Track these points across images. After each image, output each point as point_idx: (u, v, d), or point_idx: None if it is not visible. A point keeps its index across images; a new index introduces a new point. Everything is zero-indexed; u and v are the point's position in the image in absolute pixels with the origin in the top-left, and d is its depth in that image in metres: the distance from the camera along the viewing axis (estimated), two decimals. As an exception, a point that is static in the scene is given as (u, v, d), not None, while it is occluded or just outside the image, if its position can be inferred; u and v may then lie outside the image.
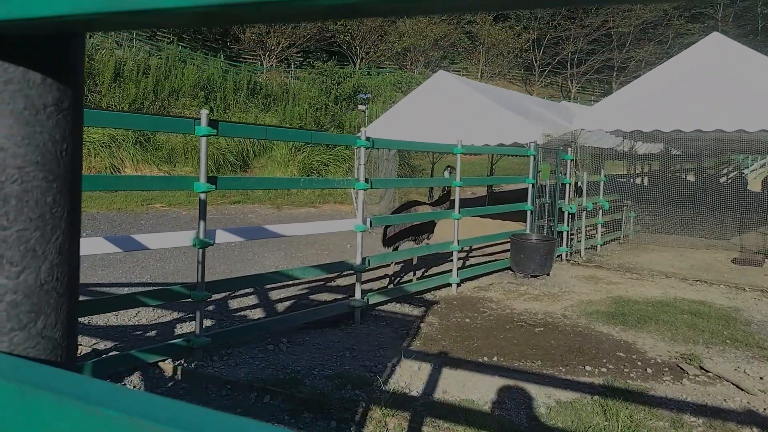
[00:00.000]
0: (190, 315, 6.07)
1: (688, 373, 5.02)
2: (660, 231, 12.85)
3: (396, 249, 7.79)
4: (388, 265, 8.47)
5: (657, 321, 6.56)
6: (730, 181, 19.22)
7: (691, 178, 16.49)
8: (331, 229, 5.97)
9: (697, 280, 8.95)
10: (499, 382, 4.61)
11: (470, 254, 10.81)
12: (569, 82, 48.81)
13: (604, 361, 5.24)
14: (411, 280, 7.93)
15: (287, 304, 6.73)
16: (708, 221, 12.67)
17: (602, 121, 9.89)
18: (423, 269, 9.04)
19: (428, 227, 7.94)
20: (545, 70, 49.08)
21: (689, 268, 9.91)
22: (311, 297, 7.09)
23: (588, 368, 5.02)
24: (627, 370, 5.04)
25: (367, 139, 5.99)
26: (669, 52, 43.89)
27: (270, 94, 27.33)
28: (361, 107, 12.67)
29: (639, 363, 5.23)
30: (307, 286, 7.64)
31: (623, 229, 12.86)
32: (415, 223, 7.69)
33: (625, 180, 13.80)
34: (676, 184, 13.56)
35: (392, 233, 7.82)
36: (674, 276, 9.23)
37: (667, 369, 5.12)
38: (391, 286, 7.69)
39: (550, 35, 46.83)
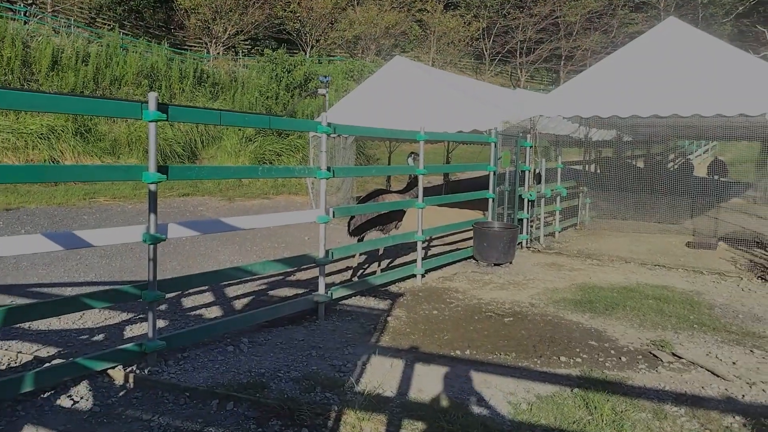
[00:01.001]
0: (141, 316, 5.66)
1: (662, 360, 4.95)
2: (615, 217, 13.01)
3: (362, 239, 7.68)
4: (352, 257, 8.21)
5: (624, 307, 6.52)
6: (677, 166, 19.75)
7: (640, 164, 16.82)
8: (293, 221, 5.66)
9: (655, 265, 9.03)
10: (475, 377, 4.42)
11: (431, 244, 10.65)
12: (519, 71, 49.35)
13: (578, 350, 5.12)
14: (375, 272, 7.70)
15: (245, 301, 6.39)
16: (660, 206, 12.90)
17: (561, 107, 9.84)
18: (388, 260, 8.82)
19: (396, 216, 7.78)
20: (495, 59, 49.46)
21: (646, 252, 10.01)
22: (271, 293, 6.76)
23: (563, 359, 4.89)
24: (602, 360, 4.93)
25: (329, 124, 5.69)
26: (614, 41, 44.86)
27: (218, 83, 26.51)
28: (321, 91, 12.31)
29: (612, 351, 5.14)
30: (265, 281, 7.31)
31: (579, 216, 12.95)
32: (382, 213, 7.54)
33: (580, 167, 13.89)
34: (628, 171, 13.76)
35: (359, 223, 7.64)
36: (633, 261, 9.28)
37: (640, 357, 5.04)
38: (356, 278, 7.46)
39: (500, 24, 47.16)
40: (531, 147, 10.26)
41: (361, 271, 8.12)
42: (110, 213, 12.17)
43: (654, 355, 5.07)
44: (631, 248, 10.33)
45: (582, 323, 5.93)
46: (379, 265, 7.93)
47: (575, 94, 9.88)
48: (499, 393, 4.14)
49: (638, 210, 12.84)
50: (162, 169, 4.18)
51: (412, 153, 7.71)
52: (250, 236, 10.42)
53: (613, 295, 7.01)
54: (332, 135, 5.89)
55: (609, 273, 8.39)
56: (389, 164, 17.33)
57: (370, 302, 6.48)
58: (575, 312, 6.32)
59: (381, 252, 7.94)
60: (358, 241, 7.76)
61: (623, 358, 4.97)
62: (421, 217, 7.55)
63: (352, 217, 7.68)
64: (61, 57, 21.36)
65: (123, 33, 32.48)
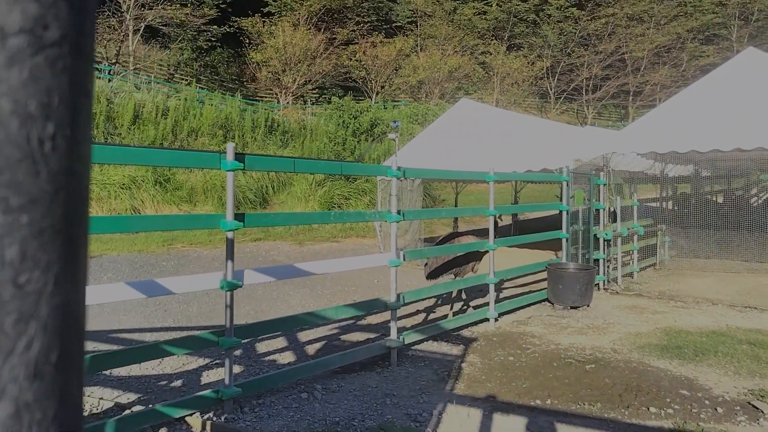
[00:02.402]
0: (217, 361, 5.72)
1: (763, 412, 4.54)
2: (697, 255, 12.34)
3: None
4: (425, 300, 8.13)
5: (716, 353, 6.08)
6: (761, 201, 18.67)
7: (720, 199, 15.99)
8: (365, 265, 5.64)
9: (746, 306, 8.43)
10: (559, 428, 4.17)
11: (503, 287, 10.39)
12: (585, 108, 48.56)
13: (668, 400, 4.78)
14: (447, 316, 7.55)
15: (318, 346, 6.37)
16: (747, 243, 12.16)
17: (635, 143, 9.54)
18: (462, 303, 8.65)
19: (474, 257, 7.70)
20: (560, 97, 48.94)
21: (735, 293, 9.39)
22: (342, 338, 6.72)
23: (653, 410, 4.57)
24: (695, 411, 4.57)
25: (399, 168, 5.69)
26: (684, 74, 43.60)
27: (287, 131, 27.37)
28: (392, 135, 12.44)
29: (707, 402, 4.76)
30: (337, 326, 7.28)
31: (659, 255, 12.36)
32: (459, 255, 7.51)
33: (656, 204, 13.35)
34: (707, 206, 13.08)
35: (435, 266, 7.63)
36: (720, 303, 8.71)
37: (738, 408, 4.64)
38: (450, 315, 7.52)
39: (564, 62, 46.80)
40: (604, 184, 9.96)
41: (433, 314, 7.99)
42: (187, 259, 12.57)
43: (754, 406, 4.66)
44: (717, 289, 9.72)
45: (670, 370, 5.56)
46: (451, 308, 7.79)
47: (650, 129, 9.57)
48: (586, 447, 3.89)
49: (722, 248, 12.14)
50: (239, 216, 4.26)
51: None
52: (320, 280, 10.48)
53: (702, 340, 6.56)
54: (401, 178, 5.89)
55: (695, 316, 7.90)
56: (456, 205, 17.22)
57: (443, 347, 6.32)
58: (662, 358, 5.94)
59: (454, 295, 7.83)
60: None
61: (719, 410, 4.59)
62: (493, 258, 7.38)
63: (429, 260, 7.68)
64: (142, 111, 22.67)
65: (199, 87, 34.29)
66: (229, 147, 4.16)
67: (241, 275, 4.36)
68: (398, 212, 5.76)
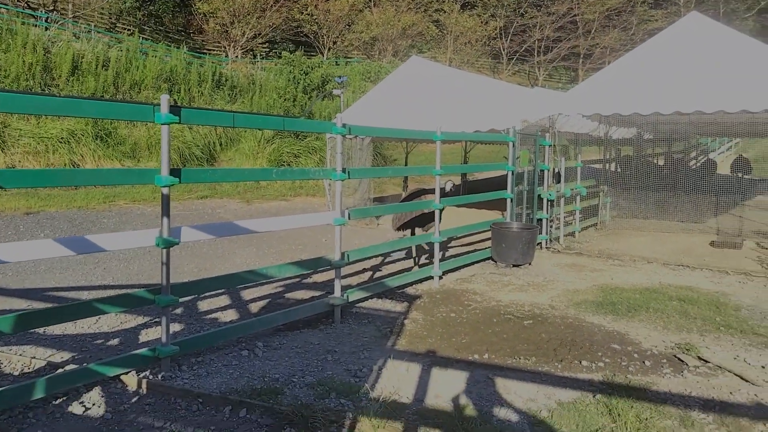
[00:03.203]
0: (157, 320, 5.63)
1: (687, 365, 4.78)
2: (636, 216, 12.75)
3: (413, 233, 8.46)
4: (374, 258, 8.20)
5: (647, 309, 6.34)
6: (699, 164, 19.37)
7: (661, 162, 16.51)
8: (308, 224, 5.59)
9: (679, 265, 8.80)
10: (494, 382, 4.29)
11: (449, 245, 10.52)
12: (537, 70, 48.93)
13: (600, 354, 4.97)
14: (393, 275, 7.61)
15: (261, 304, 6.34)
16: (682, 205, 12.63)
17: (580, 105, 9.66)
18: (425, 256, 8.94)
19: (432, 217, 8.17)
20: (513, 58, 49.11)
21: (669, 252, 9.78)
22: (287, 296, 6.71)
23: (584, 363, 4.75)
24: (625, 364, 4.78)
25: (344, 125, 5.60)
26: (633, 38, 44.26)
27: (236, 86, 26.62)
28: (337, 91, 12.24)
29: (636, 355, 4.98)
30: (281, 284, 7.25)
31: (600, 215, 12.71)
32: (425, 211, 8.10)
33: (600, 165, 13.66)
34: (649, 169, 13.49)
35: (405, 219, 8.25)
36: (656, 261, 9.06)
37: (665, 361, 4.88)
38: (416, 267, 8.06)
39: (517, 23, 46.81)
40: (550, 146, 10.09)
41: (379, 272, 8.04)
42: (130, 216, 12.23)
43: (679, 359, 4.90)
44: (653, 248, 10.10)
45: (604, 326, 5.78)
46: (416, 263, 8.21)
47: (595, 91, 9.70)
48: (519, 399, 4.02)
49: (660, 209, 12.58)
50: (175, 172, 4.13)
51: (449, 180, 8.57)
52: (267, 238, 10.39)
53: (636, 297, 6.83)
54: (348, 136, 5.81)
55: (631, 274, 8.20)
56: (406, 164, 17.22)
57: (387, 305, 6.39)
58: (597, 314, 6.16)
59: (414, 254, 8.39)
60: (409, 235, 8.49)
61: (647, 363, 4.81)
62: (438, 218, 7.44)
63: (396, 215, 8.28)
64: (81, 62, 21.58)
65: (143, 38, 32.80)
66: (163, 99, 3.99)
67: (177, 232, 4.24)
68: (343, 170, 5.70)
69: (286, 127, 5.29)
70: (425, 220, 8.43)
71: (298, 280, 7.49)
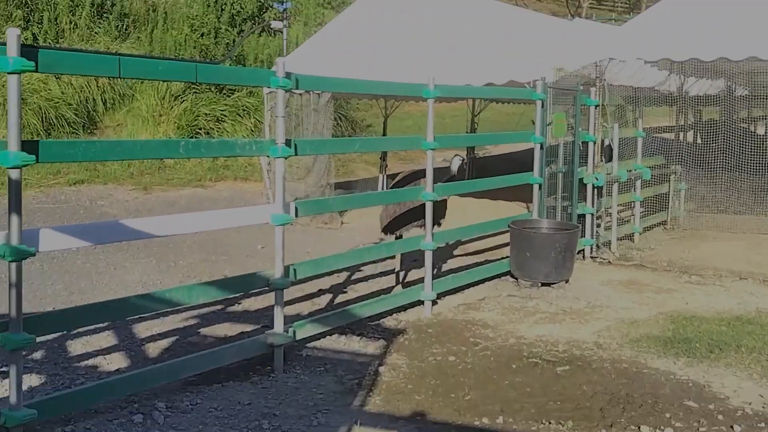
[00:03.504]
0: (3, 369, 5.56)
1: (795, 430, 4.88)
2: (723, 210, 12.87)
3: (401, 237, 8.24)
4: (330, 275, 8.21)
5: (738, 348, 6.46)
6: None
7: (761, 130, 16.68)
8: (235, 223, 5.65)
9: (786, 283, 8.98)
10: (512, 459, 4.34)
11: (449, 254, 10.57)
12: (579, -7, 49.30)
13: (668, 416, 5.07)
14: (378, 295, 7.65)
15: (164, 344, 6.34)
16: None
17: (642, 46, 9.78)
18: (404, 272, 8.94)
19: (438, 209, 8.05)
20: (544, -25, 49.41)
21: (772, 264, 9.94)
22: (202, 332, 6.73)
23: (645, 430, 4.83)
24: (704, 430, 4.86)
25: (287, 75, 5.60)
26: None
27: (128, 15, 26.35)
28: (277, 24, 12.17)
29: (720, 417, 5.08)
30: (194, 314, 7.25)
31: (671, 209, 12.87)
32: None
33: (671, 135, 13.83)
34: (743, 140, 13.58)
35: (396, 214, 8.10)
36: (752, 277, 9.23)
37: (763, 424, 4.97)
38: (398, 287, 8.07)
39: None
40: (597, 106, 10.20)
41: (342, 295, 8.07)
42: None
43: (784, 422, 5.00)
44: (748, 258, 10.27)
45: (674, 373, 5.87)
46: (401, 280, 8.32)
47: (663, 26, 9.83)
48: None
49: (760, 201, 12.73)
50: (30, 145, 4.08)
51: (456, 155, 8.52)
52: (175, 245, 10.34)
53: (721, 330, 6.95)
54: (295, 91, 5.85)
55: (715, 296, 8.34)
56: (384, 134, 17.25)
57: (354, 344, 6.43)
58: (664, 356, 6.26)
59: (398, 267, 8.39)
60: (396, 239, 8.25)
61: (737, 428, 4.90)
62: (430, 213, 7.47)
63: (386, 208, 8.21)
64: None
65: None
66: (11, 35, 3.94)
67: (34, 237, 4.21)
68: (288, 143, 5.70)
69: (200, 79, 5.28)
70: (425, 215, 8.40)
71: (220, 308, 7.48)
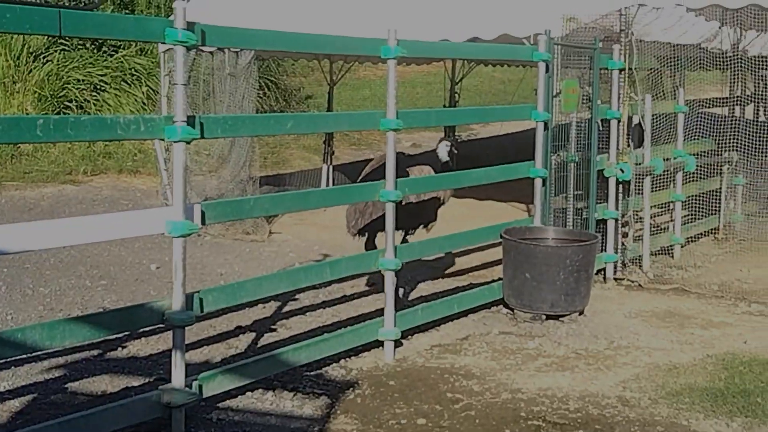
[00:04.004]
0: None
1: None
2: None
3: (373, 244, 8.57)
4: (253, 305, 8.17)
5: (814, 403, 6.51)
6: None
7: None
8: (114, 235, 5.55)
9: None
10: None
11: (418, 277, 10.57)
12: None
13: (719, 497, 5.10)
14: (338, 326, 7.62)
15: (16, 405, 6.25)
16: None
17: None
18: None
19: (431, 208, 8.53)
20: None
21: None
22: (71, 387, 6.64)
23: None
24: None
25: (190, 26, 5.56)
26: None
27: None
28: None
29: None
30: (61, 361, 7.18)
31: (723, 212, 12.95)
32: (410, 202, 8.28)
33: (723, 111, 13.94)
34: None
35: (371, 218, 8.40)
36: (835, 305, 9.33)
37: None
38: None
39: None
40: (623, 71, 10.24)
41: (270, 334, 8.03)
42: None
43: None
44: (830, 278, 10.40)
45: (728, 439, 5.92)
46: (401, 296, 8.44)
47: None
48: None
49: None
50: None
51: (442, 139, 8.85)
52: (34, 265, 10.24)
53: (793, 379, 7.00)
54: (202, 48, 5.81)
55: (785, 331, 8.42)
56: (330, 108, 17.22)
57: (286, 402, 6.40)
58: (713, 416, 6.29)
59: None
60: (367, 248, 8.51)
61: None
62: (392, 218, 7.45)
63: (355, 206, 8.49)
64: None
65: None
66: None
67: None
68: (190, 120, 5.65)
69: (68, 30, 5.21)
70: (413, 218, 8.65)
71: (96, 353, 7.41)
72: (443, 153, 9.00)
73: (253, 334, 8.06)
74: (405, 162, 8.55)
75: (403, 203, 8.02)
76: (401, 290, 8.92)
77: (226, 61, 12.81)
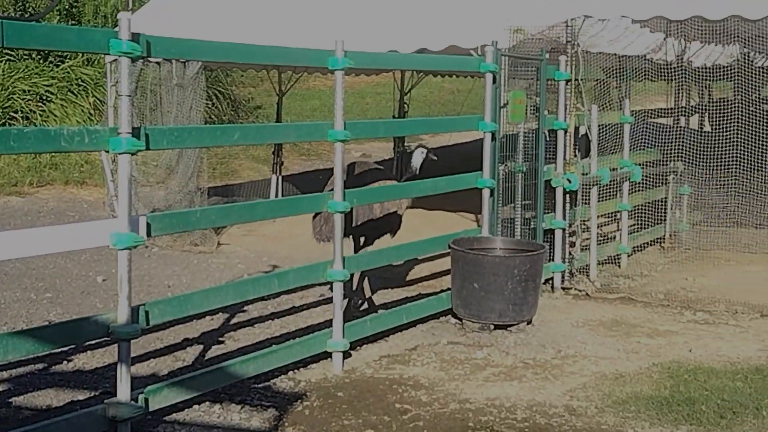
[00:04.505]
0: None
1: None
2: (742, 223, 13.06)
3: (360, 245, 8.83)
4: (201, 317, 8.13)
5: (758, 411, 6.56)
6: None
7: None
8: (59, 247, 5.50)
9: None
10: None
11: (365, 285, 10.57)
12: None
13: (665, 505, 5.13)
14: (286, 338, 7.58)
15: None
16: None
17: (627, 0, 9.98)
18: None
19: (392, 222, 8.69)
20: None
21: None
22: (16, 402, 6.58)
23: None
24: None
25: (134, 38, 5.53)
26: None
27: None
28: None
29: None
30: (5, 375, 7.11)
31: (670, 221, 13.03)
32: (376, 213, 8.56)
33: (669, 120, 14.03)
34: (765, 127, 13.81)
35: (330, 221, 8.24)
36: (778, 313, 9.42)
37: None
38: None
39: None
40: (569, 81, 10.30)
41: (218, 346, 7.99)
42: None
43: None
44: (773, 287, 10.49)
45: (673, 447, 5.96)
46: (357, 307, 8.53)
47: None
48: None
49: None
50: None
51: (420, 145, 8.81)
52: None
53: (737, 387, 7.05)
54: (149, 59, 5.79)
55: (729, 339, 8.48)
56: (279, 119, 17.18)
57: (233, 415, 6.36)
58: (659, 424, 6.33)
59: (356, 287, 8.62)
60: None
61: None
62: (339, 228, 7.45)
63: (321, 214, 8.44)
64: None
65: None
66: None
67: None
68: (135, 132, 5.61)
69: (10, 41, 5.16)
70: (375, 228, 8.85)
71: (41, 367, 7.34)
72: (416, 162, 9.06)
73: (201, 347, 8.02)
74: (376, 175, 8.67)
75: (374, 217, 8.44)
76: (358, 301, 9.02)
77: (174, 72, 12.74)
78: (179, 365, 7.46)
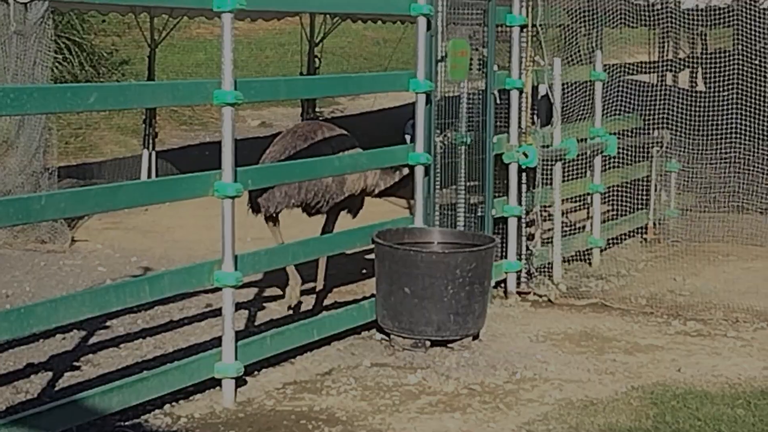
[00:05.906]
0: None
1: None
2: (742, 208, 13.19)
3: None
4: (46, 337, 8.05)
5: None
6: None
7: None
8: None
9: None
10: None
11: (265, 292, 10.55)
12: None
13: None
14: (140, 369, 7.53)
15: None
16: None
17: None
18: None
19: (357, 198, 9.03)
20: None
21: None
22: None
23: None
24: None
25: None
26: None
27: None
28: None
29: None
30: None
31: (653, 207, 13.12)
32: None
33: (651, 79, 14.13)
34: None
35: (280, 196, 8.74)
36: (787, 322, 9.54)
37: None
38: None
39: None
40: (525, 28, 10.31)
41: (71, 374, 7.92)
42: None
43: None
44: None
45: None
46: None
47: None
48: None
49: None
50: None
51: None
52: None
53: (737, 416, 7.12)
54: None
55: (726, 356, 8.59)
56: (151, 77, 17.08)
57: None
58: (640, 464, 6.40)
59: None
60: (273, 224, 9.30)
61: None
62: (231, 220, 7.40)
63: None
64: None
65: None
66: None
67: None
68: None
69: None
70: (331, 194, 9.12)
71: None
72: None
73: (50, 374, 7.93)
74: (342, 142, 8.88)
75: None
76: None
77: (12, 16, 12.60)
78: (21, 399, 7.36)
